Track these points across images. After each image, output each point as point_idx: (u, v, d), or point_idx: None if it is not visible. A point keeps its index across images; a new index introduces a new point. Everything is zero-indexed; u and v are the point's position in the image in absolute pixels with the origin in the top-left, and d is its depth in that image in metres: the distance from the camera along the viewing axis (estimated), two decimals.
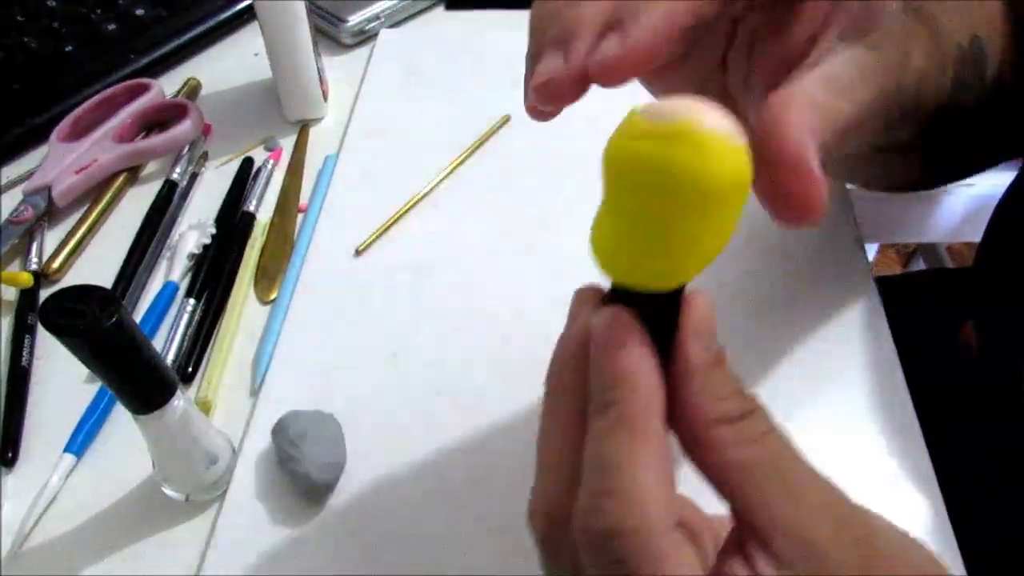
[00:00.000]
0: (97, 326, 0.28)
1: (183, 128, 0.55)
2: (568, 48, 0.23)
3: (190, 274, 0.49)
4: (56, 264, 0.49)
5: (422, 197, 0.52)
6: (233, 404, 0.43)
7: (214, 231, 0.51)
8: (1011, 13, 0.34)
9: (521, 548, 0.37)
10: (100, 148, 0.54)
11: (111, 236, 0.52)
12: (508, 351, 0.44)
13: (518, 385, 0.42)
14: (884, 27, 0.26)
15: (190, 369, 0.44)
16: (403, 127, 0.57)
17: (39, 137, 0.57)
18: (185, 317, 0.46)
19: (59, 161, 0.53)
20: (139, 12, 0.65)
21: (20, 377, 0.44)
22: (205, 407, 0.42)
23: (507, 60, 0.63)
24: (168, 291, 0.48)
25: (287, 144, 0.57)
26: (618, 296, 0.22)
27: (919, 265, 1.23)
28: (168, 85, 0.61)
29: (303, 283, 0.48)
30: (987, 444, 0.46)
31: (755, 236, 0.47)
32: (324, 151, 0.56)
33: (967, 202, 0.77)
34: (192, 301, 0.47)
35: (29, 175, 0.54)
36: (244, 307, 0.47)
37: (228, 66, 0.63)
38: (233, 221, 0.52)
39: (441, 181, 0.53)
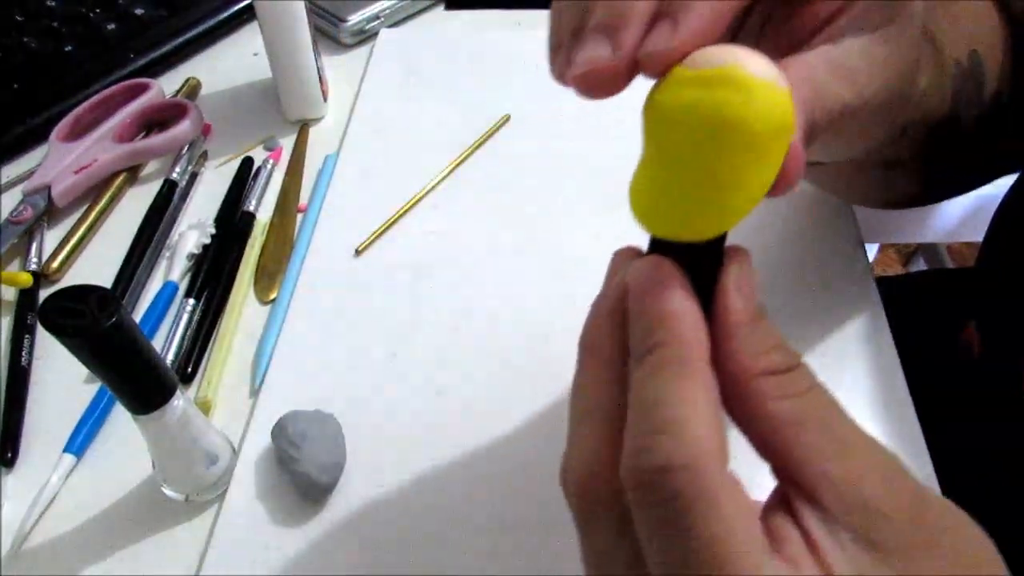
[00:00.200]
0: (97, 326, 0.28)
1: (183, 128, 0.55)
2: (617, 36, 0.22)
3: (190, 274, 0.49)
4: (56, 264, 0.49)
5: (422, 197, 0.52)
6: (233, 404, 0.43)
7: (214, 231, 0.51)
8: (1008, 29, 0.34)
9: (521, 548, 0.37)
10: (100, 148, 0.54)
11: (111, 236, 0.52)
12: (508, 351, 0.44)
13: (518, 384, 0.42)
14: (903, 25, 0.25)
15: (190, 369, 0.44)
16: (403, 127, 0.57)
17: (39, 137, 0.57)
18: (185, 317, 0.46)
19: (59, 161, 0.53)
20: (139, 12, 0.65)
21: (20, 377, 0.44)
22: (205, 407, 0.42)
23: (507, 60, 0.63)
24: (168, 291, 0.48)
25: (287, 144, 0.57)
26: (658, 250, 0.22)
27: (919, 265, 1.23)
28: (168, 85, 0.61)
29: (303, 283, 0.48)
30: (987, 444, 0.46)
31: (755, 236, 0.46)
32: (324, 151, 0.56)
33: (967, 202, 0.77)
34: (192, 301, 0.47)
35: (29, 175, 0.54)
36: (244, 307, 0.47)
37: (228, 66, 0.63)
38: (233, 221, 0.52)
39: (441, 181, 0.53)
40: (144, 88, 0.58)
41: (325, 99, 0.58)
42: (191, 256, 0.50)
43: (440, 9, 0.67)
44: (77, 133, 0.56)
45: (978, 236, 0.49)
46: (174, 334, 0.45)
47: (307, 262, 0.49)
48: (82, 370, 0.43)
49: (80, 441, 0.41)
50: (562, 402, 0.41)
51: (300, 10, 0.53)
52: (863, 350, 0.43)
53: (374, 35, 0.64)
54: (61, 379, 0.44)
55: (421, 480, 0.39)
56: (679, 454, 0.18)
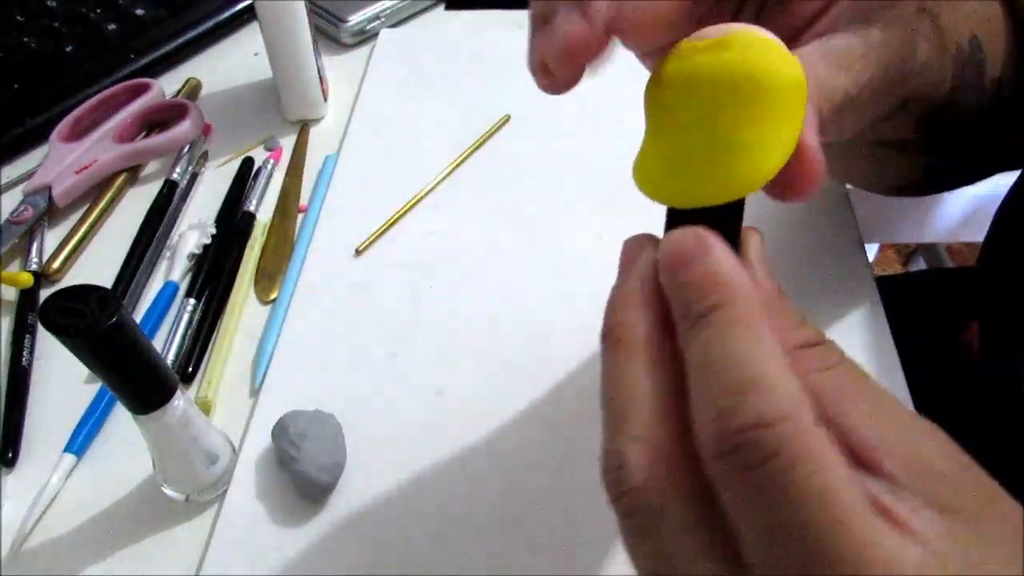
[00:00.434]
0: (97, 326, 0.28)
1: (183, 128, 0.55)
2: (587, 3, 0.21)
3: (190, 274, 0.49)
4: (56, 264, 0.49)
5: (422, 197, 0.52)
6: (233, 404, 0.43)
7: (214, 231, 0.51)
8: (1010, 14, 0.34)
9: (521, 548, 0.37)
10: (100, 148, 0.54)
11: (111, 236, 0.52)
12: (508, 351, 0.44)
13: (518, 384, 0.42)
14: (898, 8, 0.25)
15: (190, 369, 0.44)
16: (403, 127, 0.57)
17: (39, 137, 0.57)
18: (185, 317, 0.46)
19: (59, 161, 0.53)
20: (139, 12, 0.65)
21: (20, 377, 0.44)
22: (205, 407, 0.42)
23: (507, 60, 0.63)
24: (168, 291, 0.48)
25: (287, 144, 0.57)
26: (677, 223, 0.21)
27: (919, 265, 1.23)
28: (168, 85, 0.61)
29: (303, 283, 0.48)
30: (987, 444, 0.46)
31: None
32: (324, 151, 0.56)
33: (967, 202, 0.77)
34: (192, 301, 0.47)
35: (29, 175, 0.54)
36: (244, 307, 0.47)
37: (228, 66, 0.63)
38: (233, 221, 0.52)
39: (441, 181, 0.53)
40: (144, 88, 0.58)
41: (325, 99, 0.58)
42: (191, 256, 0.50)
43: (440, 9, 0.67)
44: (77, 133, 0.56)
45: (978, 236, 0.49)
46: (174, 334, 0.45)
47: (307, 262, 0.49)
48: (82, 370, 0.44)
49: (80, 441, 0.41)
50: (562, 402, 0.41)
51: (300, 10, 0.53)
52: (863, 350, 0.43)
53: (374, 35, 0.64)
54: (61, 379, 0.44)
55: (421, 480, 0.39)
56: (772, 408, 0.17)
